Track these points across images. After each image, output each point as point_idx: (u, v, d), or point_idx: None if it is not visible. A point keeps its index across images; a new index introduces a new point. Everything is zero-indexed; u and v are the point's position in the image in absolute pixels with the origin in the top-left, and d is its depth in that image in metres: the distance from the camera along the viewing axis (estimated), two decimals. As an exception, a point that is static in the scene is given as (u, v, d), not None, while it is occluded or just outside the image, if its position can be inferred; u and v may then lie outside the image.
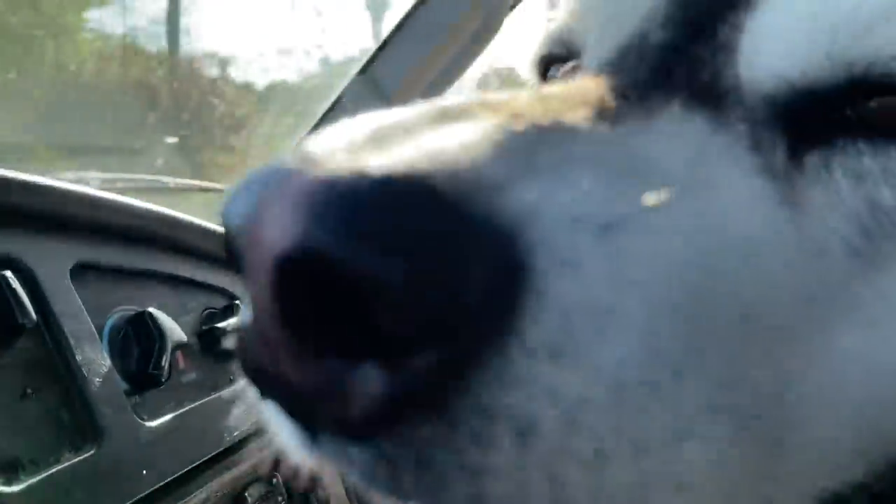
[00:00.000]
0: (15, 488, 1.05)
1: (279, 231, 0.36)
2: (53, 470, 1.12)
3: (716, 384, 0.47)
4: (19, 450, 1.08)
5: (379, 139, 0.41)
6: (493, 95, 0.50)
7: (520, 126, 0.45)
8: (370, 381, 0.38)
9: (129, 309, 1.48)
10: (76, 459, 1.16)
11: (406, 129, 0.42)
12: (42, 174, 1.36)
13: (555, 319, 0.41)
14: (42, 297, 1.27)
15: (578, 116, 0.49)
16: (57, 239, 1.38)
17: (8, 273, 1.21)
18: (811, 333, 0.52)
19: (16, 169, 1.30)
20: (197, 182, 2.75)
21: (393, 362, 0.38)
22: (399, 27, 2.08)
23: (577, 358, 0.41)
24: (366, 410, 0.38)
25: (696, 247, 0.47)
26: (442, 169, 0.39)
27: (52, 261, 1.34)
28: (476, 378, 0.39)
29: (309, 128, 2.31)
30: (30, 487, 1.07)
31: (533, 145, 0.45)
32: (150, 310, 1.47)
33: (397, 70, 2.05)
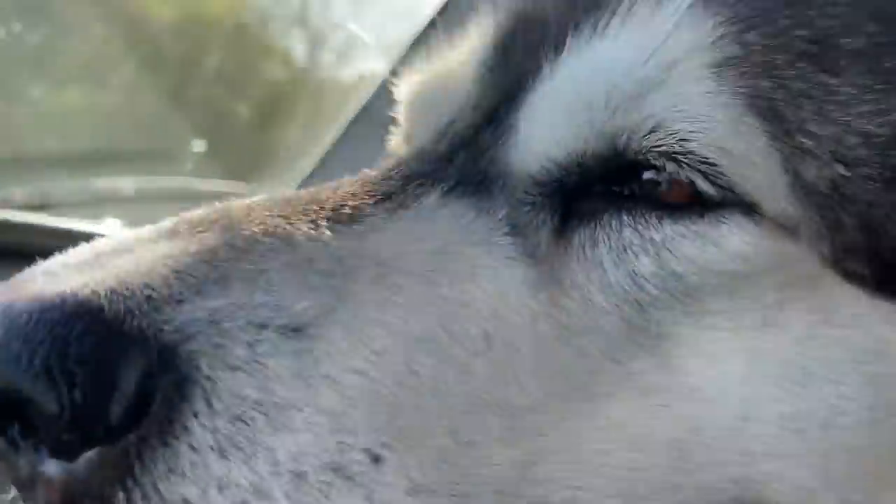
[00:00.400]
0: None
1: None
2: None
3: (427, 463, 0.49)
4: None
5: (88, 262, 0.47)
6: (234, 205, 0.55)
7: (217, 237, 0.50)
8: (49, 471, 0.45)
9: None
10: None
11: (118, 251, 0.48)
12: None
13: (224, 418, 0.45)
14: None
15: (301, 224, 0.53)
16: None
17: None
18: (573, 410, 0.54)
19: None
20: (224, 183, 2.78)
21: (64, 460, 0.44)
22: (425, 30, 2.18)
23: (250, 452, 0.45)
24: (48, 498, 0.45)
25: (421, 338, 0.51)
26: (110, 292, 0.44)
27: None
28: (143, 475, 0.45)
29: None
30: None
31: (230, 261, 0.49)
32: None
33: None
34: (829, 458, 0.56)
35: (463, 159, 0.61)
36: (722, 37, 0.58)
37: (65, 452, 0.44)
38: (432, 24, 2.23)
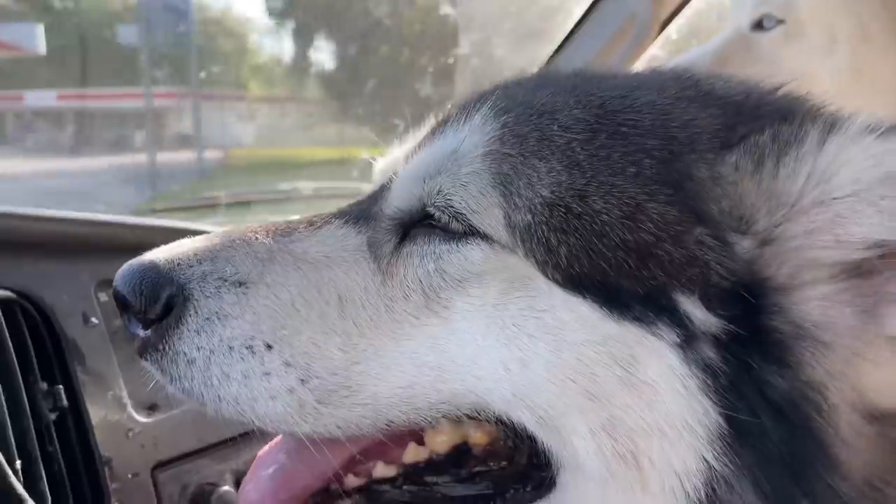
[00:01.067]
0: (150, 420, 1.56)
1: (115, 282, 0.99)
2: (176, 411, 1.59)
3: (297, 353, 0.94)
4: (156, 396, 1.54)
5: (169, 248, 1.00)
6: (229, 229, 1.05)
7: (220, 240, 1.01)
8: (141, 333, 0.97)
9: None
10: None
11: (181, 245, 1.00)
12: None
13: (204, 316, 0.95)
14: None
15: (260, 235, 1.02)
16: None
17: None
18: (385, 340, 0.95)
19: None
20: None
21: (147, 328, 0.97)
22: (562, 44, 2.56)
23: (211, 333, 0.94)
24: (143, 342, 0.97)
25: (303, 294, 0.97)
26: (167, 256, 0.98)
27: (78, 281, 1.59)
28: (171, 337, 0.95)
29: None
30: (159, 421, 1.56)
31: (218, 249, 0.99)
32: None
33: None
34: (523, 386, 0.90)
35: (364, 206, 1.07)
36: (491, 140, 0.95)
37: (143, 325, 0.97)
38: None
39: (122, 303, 0.97)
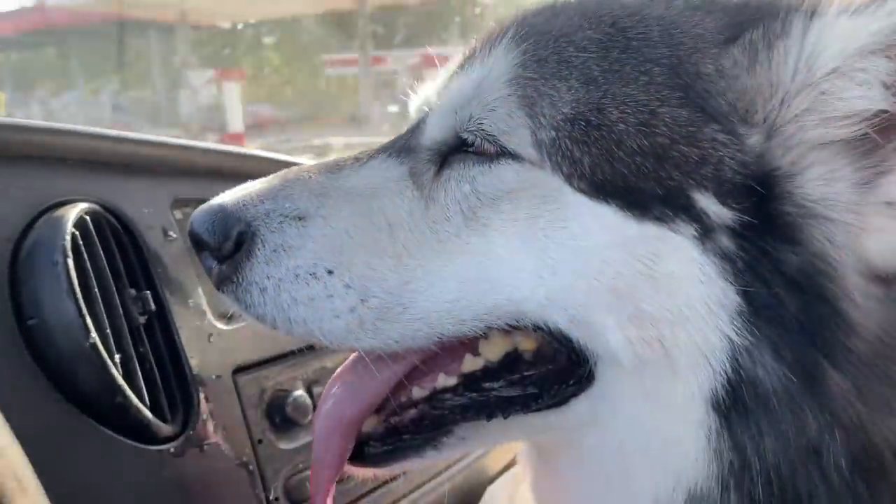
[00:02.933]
0: (229, 327, 1.66)
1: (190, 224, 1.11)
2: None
3: (355, 276, 1.04)
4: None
5: (239, 189, 1.12)
6: (286, 170, 1.16)
7: (279, 180, 1.12)
8: (216, 268, 1.09)
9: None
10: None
11: (248, 185, 1.12)
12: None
13: (271, 249, 1.05)
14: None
15: (313, 172, 1.13)
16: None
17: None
18: (433, 259, 1.04)
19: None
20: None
21: (222, 263, 1.09)
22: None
23: (278, 263, 1.05)
24: (219, 276, 1.09)
25: (356, 223, 1.07)
26: (233, 199, 1.10)
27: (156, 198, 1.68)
28: (244, 269, 1.06)
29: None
30: (237, 329, 1.66)
31: (278, 188, 1.10)
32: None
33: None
34: (555, 290, 0.98)
35: (405, 140, 1.16)
36: (514, 66, 1.03)
37: (218, 261, 1.08)
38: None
39: (197, 242, 1.10)
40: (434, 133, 1.11)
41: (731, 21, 1.01)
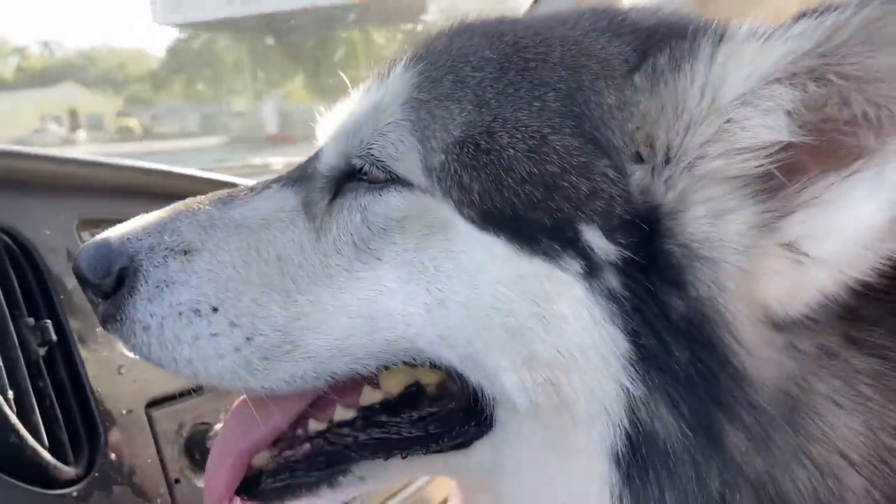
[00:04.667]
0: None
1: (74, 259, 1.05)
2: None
3: (241, 314, 0.98)
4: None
5: (128, 223, 1.05)
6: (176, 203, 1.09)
7: (167, 213, 1.05)
8: (100, 305, 1.03)
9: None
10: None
11: (136, 219, 1.06)
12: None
13: (153, 284, 1.00)
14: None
15: (204, 204, 1.07)
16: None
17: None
18: (322, 294, 0.98)
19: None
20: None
21: (106, 300, 1.03)
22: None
23: (159, 299, 0.99)
24: (103, 313, 1.03)
25: (244, 257, 1.01)
26: (118, 233, 1.03)
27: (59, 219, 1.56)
28: (126, 306, 1.00)
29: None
30: None
31: (167, 220, 1.04)
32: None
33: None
34: (445, 328, 0.93)
35: (303, 168, 1.09)
36: (409, 88, 0.98)
37: (102, 298, 1.03)
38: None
39: (80, 278, 1.05)
40: (329, 159, 1.06)
41: (640, 45, 0.95)
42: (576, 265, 0.89)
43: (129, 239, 1.02)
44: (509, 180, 0.90)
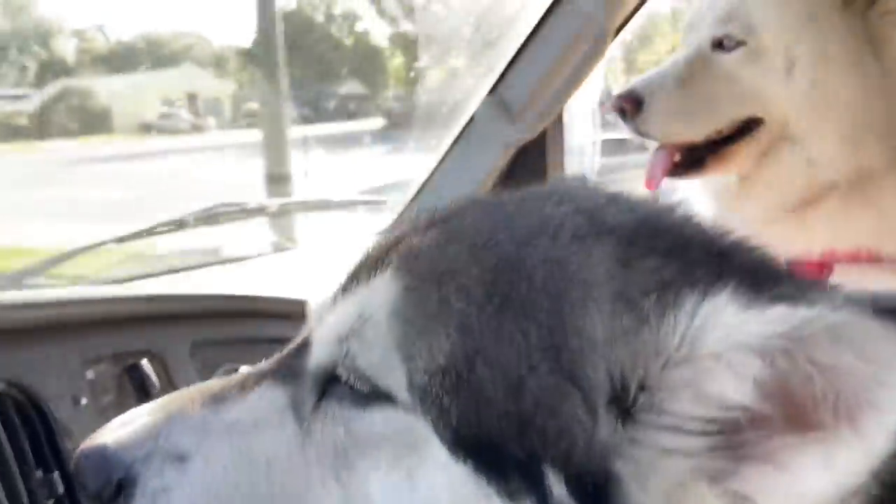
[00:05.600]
0: None
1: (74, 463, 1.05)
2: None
3: None
4: None
5: (119, 424, 1.05)
6: (171, 398, 1.11)
7: (164, 413, 1.05)
8: None
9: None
10: None
11: (129, 419, 1.06)
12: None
13: (150, 493, 0.99)
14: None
15: (196, 403, 1.06)
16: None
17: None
18: (313, 499, 0.97)
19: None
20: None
21: None
22: (519, 51, 2.55)
23: None
24: None
25: (235, 462, 1.01)
26: (116, 439, 1.02)
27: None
28: None
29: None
30: None
31: (162, 423, 1.03)
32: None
33: (522, 89, 2.55)
34: None
35: (293, 360, 1.08)
36: (396, 299, 0.96)
37: None
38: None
39: (80, 484, 1.06)
40: (316, 359, 1.05)
41: (624, 254, 0.94)
42: None
43: (126, 447, 1.03)
44: (487, 412, 0.89)
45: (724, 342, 0.85)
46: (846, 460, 0.82)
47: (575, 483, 0.86)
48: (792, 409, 0.85)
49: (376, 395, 0.96)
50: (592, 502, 0.86)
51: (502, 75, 2.58)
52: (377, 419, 0.96)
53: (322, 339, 1.05)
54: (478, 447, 0.89)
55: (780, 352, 0.83)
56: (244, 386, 1.10)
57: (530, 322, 0.91)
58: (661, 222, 1.02)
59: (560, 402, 0.87)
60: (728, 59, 2.15)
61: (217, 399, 1.09)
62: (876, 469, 0.82)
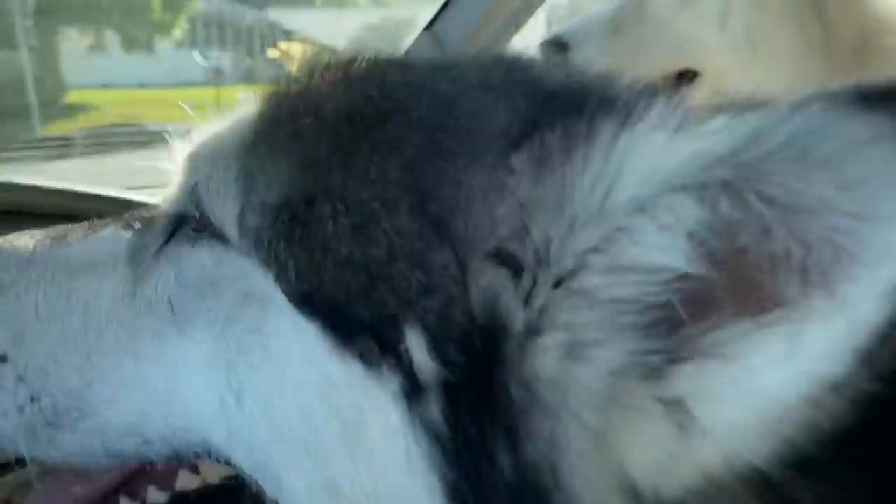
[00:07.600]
0: None
1: None
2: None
3: (32, 369, 0.85)
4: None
5: None
6: (16, 235, 0.95)
7: None
8: None
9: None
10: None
11: None
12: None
13: None
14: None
15: (42, 236, 0.94)
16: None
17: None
18: (128, 360, 0.84)
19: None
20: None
21: None
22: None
23: None
24: None
25: (51, 302, 0.87)
26: None
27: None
28: None
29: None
30: None
31: None
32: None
33: (457, 28, 2.38)
34: (238, 426, 0.78)
35: (150, 213, 0.95)
36: (255, 127, 0.82)
37: None
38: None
39: None
40: (171, 198, 0.90)
41: (533, 114, 0.72)
42: (394, 381, 0.70)
43: None
44: (327, 261, 0.72)
45: (647, 181, 0.62)
46: (819, 340, 0.57)
47: (449, 349, 0.68)
48: (741, 276, 0.60)
49: (209, 235, 0.82)
50: (473, 377, 0.68)
51: (439, 13, 2.48)
52: (208, 261, 0.82)
53: (181, 171, 0.89)
54: (321, 306, 0.73)
55: (724, 189, 0.58)
56: (94, 228, 0.96)
57: (393, 156, 0.73)
58: (593, 84, 0.77)
59: (422, 250, 0.70)
60: (662, 4, 2.04)
61: (61, 236, 0.95)
62: (867, 350, 0.55)
